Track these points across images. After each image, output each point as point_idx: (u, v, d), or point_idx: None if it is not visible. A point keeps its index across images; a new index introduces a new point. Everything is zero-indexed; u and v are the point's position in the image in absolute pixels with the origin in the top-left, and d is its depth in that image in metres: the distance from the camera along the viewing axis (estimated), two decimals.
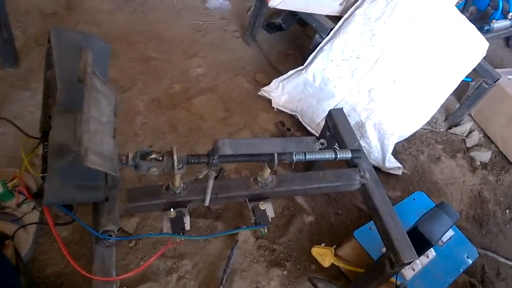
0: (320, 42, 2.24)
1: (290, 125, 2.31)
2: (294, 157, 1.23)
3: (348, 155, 1.34)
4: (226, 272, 1.65)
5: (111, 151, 0.99)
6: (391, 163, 2.26)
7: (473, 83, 2.69)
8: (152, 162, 1.10)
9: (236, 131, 2.20)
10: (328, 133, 1.77)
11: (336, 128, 1.69)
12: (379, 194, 1.49)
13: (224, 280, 1.63)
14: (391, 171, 2.26)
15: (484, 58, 2.30)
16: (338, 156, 1.31)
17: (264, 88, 2.37)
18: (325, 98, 2.20)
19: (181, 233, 1.23)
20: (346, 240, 1.78)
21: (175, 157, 1.12)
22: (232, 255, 1.71)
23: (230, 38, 2.72)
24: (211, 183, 1.22)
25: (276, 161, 1.22)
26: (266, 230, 1.35)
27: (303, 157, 1.25)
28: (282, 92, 2.35)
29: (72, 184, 0.98)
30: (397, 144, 2.25)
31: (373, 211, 1.47)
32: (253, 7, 2.56)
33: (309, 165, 1.98)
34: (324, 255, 1.69)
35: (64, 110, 1.02)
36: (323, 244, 1.73)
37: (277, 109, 2.35)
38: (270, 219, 1.35)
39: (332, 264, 1.68)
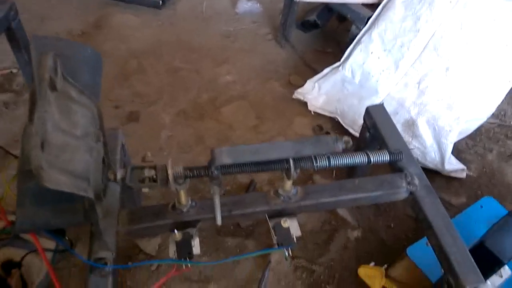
0: (358, 34, 2.00)
1: (330, 128, 2.08)
2: (315, 163, 1.02)
3: (385, 157, 1.10)
4: None
5: (86, 169, 0.84)
6: (453, 165, 1.93)
7: None
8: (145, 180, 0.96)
9: (268, 139, 2.01)
10: (368, 134, 1.52)
11: (375, 127, 1.45)
12: (431, 204, 1.21)
13: None
14: (453, 174, 1.93)
15: None
16: (371, 159, 1.07)
17: (298, 90, 2.17)
18: (367, 95, 1.96)
19: (187, 259, 1.06)
20: (399, 259, 1.52)
21: (169, 171, 0.96)
22: (264, 278, 1.51)
23: (261, 42, 2.56)
24: (217, 199, 1.04)
25: (292, 169, 1.01)
26: (290, 253, 1.13)
27: (327, 163, 1.04)
28: (318, 93, 2.13)
29: (46, 208, 0.85)
30: (458, 142, 1.94)
31: (425, 225, 1.20)
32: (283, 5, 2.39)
33: (351, 172, 1.74)
34: (373, 277, 1.46)
35: None
36: (372, 264, 1.50)
37: (314, 112, 2.13)
38: (295, 238, 1.14)
39: (383, 287, 1.43)
